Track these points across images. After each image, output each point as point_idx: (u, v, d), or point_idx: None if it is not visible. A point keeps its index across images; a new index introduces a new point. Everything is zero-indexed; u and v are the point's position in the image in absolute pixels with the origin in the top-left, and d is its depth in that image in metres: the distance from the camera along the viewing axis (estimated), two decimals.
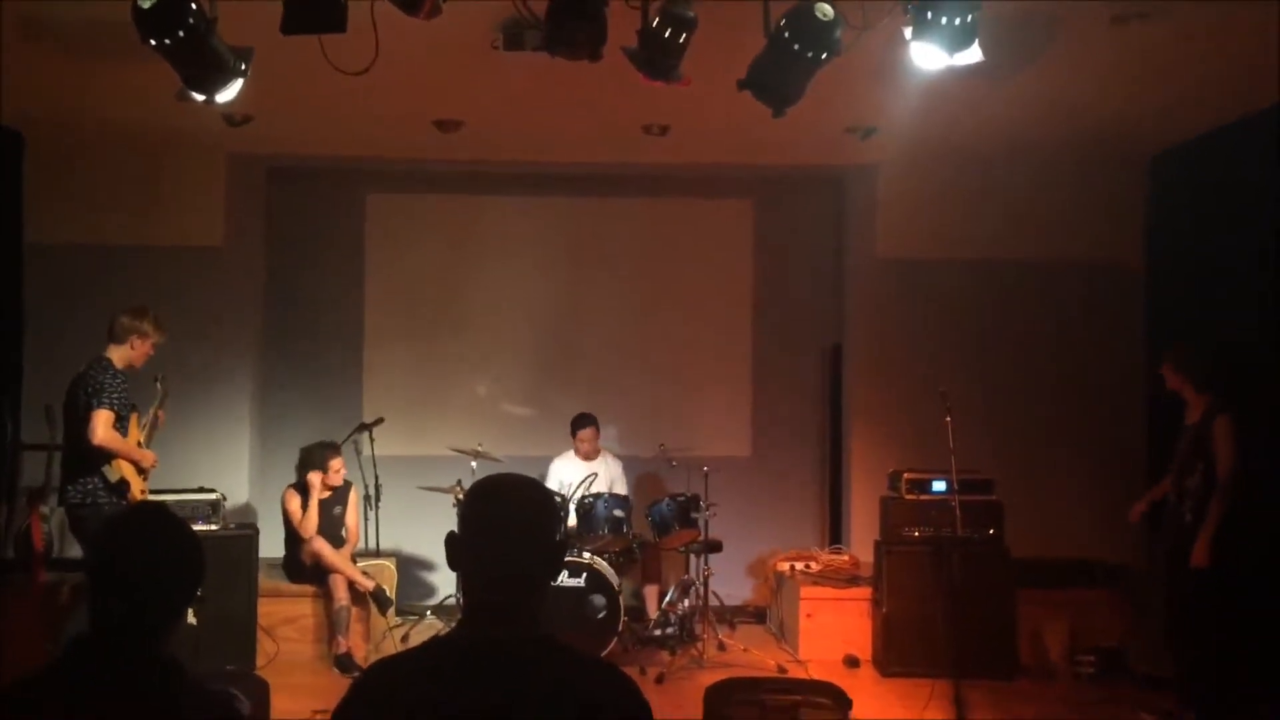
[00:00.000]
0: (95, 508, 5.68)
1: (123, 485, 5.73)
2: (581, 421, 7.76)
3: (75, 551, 6.51)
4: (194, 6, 4.03)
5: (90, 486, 5.72)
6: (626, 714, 1.92)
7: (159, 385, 6.29)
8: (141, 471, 5.91)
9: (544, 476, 7.84)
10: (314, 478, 7.18)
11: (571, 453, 7.88)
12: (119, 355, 5.84)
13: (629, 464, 8.07)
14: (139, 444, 5.95)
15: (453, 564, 2.04)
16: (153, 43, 4.04)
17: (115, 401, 5.67)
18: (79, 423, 5.71)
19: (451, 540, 2.04)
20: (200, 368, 7.64)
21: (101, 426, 5.61)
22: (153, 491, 6.09)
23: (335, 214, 8.69)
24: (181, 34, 4.03)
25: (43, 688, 2.04)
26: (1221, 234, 6.94)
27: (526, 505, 2.04)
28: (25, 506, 6.49)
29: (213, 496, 6.77)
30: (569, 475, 7.68)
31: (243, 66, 4.39)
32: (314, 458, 7.25)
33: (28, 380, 7.39)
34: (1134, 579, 7.20)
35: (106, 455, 5.69)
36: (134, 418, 5.93)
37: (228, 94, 4.45)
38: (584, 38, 4.25)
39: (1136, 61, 5.77)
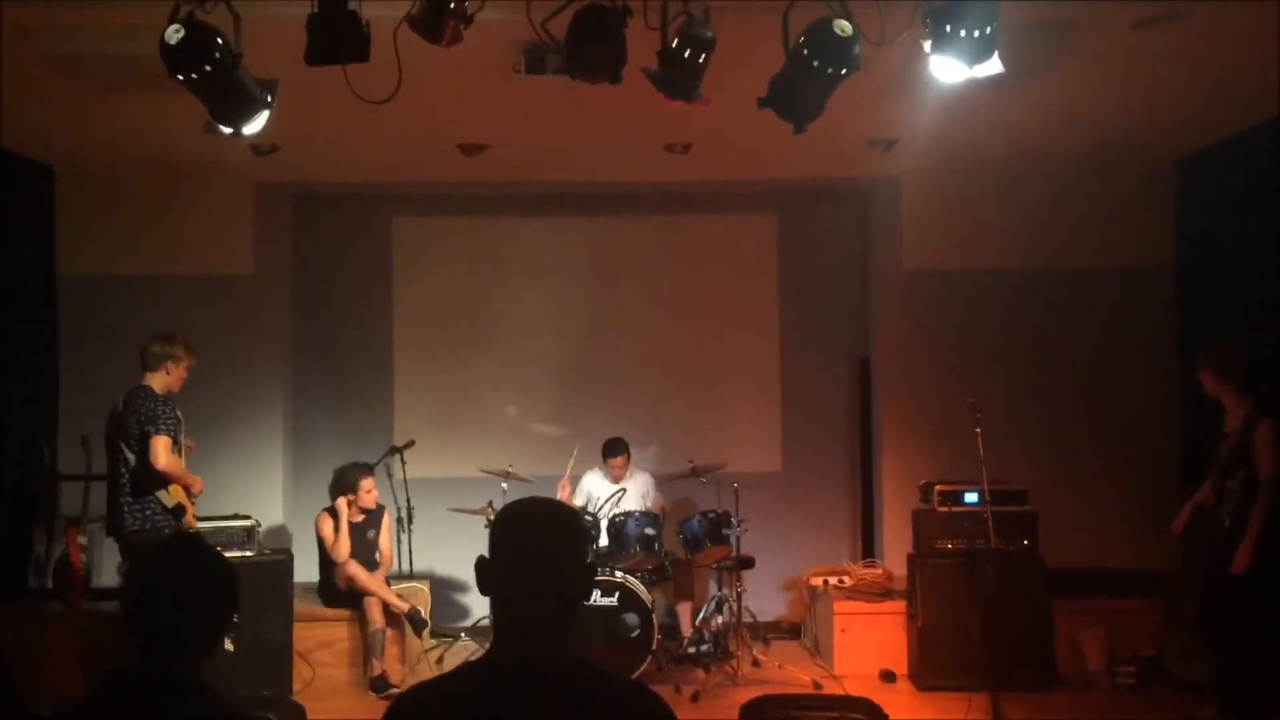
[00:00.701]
0: (156, 533, 5.80)
1: (180, 510, 5.87)
2: (613, 449, 7.76)
3: (114, 580, 6.58)
4: (220, 41, 4.08)
5: (149, 512, 5.83)
6: None
7: (179, 414, 6.35)
8: (190, 497, 6.00)
9: (577, 485, 7.87)
10: (342, 503, 7.22)
11: (600, 470, 7.89)
12: (158, 382, 5.93)
13: (659, 483, 8.06)
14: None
15: (483, 589, 2.05)
16: (180, 77, 4.10)
17: (171, 428, 5.81)
18: (136, 451, 5.80)
19: (481, 565, 2.05)
20: (232, 395, 7.73)
21: (164, 453, 5.74)
22: None
23: (362, 239, 8.76)
24: (208, 68, 4.09)
25: (82, 718, 2.07)
26: (1251, 235, 6.87)
27: (555, 528, 2.05)
28: (64, 535, 6.55)
29: (247, 523, 6.81)
30: (598, 490, 7.71)
31: (269, 98, 4.44)
32: (346, 479, 7.30)
33: (63, 411, 7.49)
34: (1171, 587, 7.13)
35: (165, 481, 5.79)
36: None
37: (255, 126, 4.50)
38: (604, 60, 4.27)
39: (1159, 66, 5.75)
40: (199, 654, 2.16)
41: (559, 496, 7.46)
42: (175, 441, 5.85)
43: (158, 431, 5.74)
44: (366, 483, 7.31)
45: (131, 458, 5.83)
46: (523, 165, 7.72)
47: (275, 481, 8.08)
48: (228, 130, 4.47)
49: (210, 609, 2.19)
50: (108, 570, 6.96)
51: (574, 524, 2.10)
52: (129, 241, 7.85)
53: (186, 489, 5.96)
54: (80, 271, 7.67)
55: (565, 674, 1.94)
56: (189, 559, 2.22)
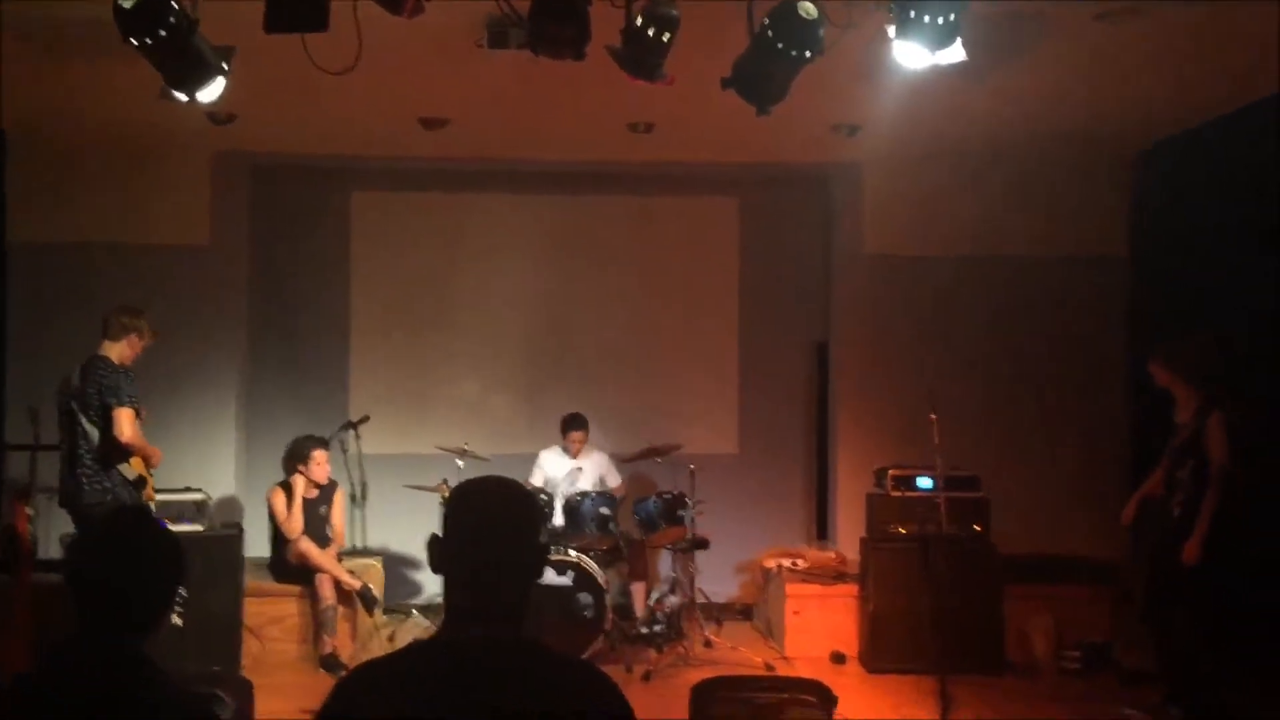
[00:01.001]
0: (119, 504, 5.69)
1: (141, 482, 5.81)
2: (574, 423, 7.77)
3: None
4: (175, 6, 4.01)
5: (110, 484, 5.74)
6: (608, 716, 1.92)
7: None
8: (149, 469, 5.93)
9: (533, 465, 7.85)
10: (298, 479, 7.16)
11: (558, 447, 7.89)
12: (115, 352, 5.82)
13: (616, 463, 8.05)
14: None
15: (435, 567, 2.03)
16: (134, 42, 4.02)
17: (134, 399, 5.72)
18: (98, 424, 5.70)
19: (434, 543, 2.03)
20: (186, 367, 7.62)
21: (128, 424, 5.65)
22: None
23: (321, 212, 8.66)
24: (163, 33, 4.01)
25: (23, 694, 2.03)
26: (1208, 228, 6.97)
27: (509, 508, 2.04)
28: (10, 506, 6.45)
29: (198, 496, 6.75)
30: (555, 469, 7.70)
31: (225, 65, 4.38)
32: (299, 450, 7.24)
33: (10, 381, 7.37)
34: (1120, 574, 7.23)
35: (128, 454, 5.71)
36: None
37: (210, 93, 4.44)
38: (568, 37, 4.24)
39: (1121, 58, 5.78)
40: (143, 629, 2.13)
41: None
42: (138, 414, 5.76)
43: (120, 403, 5.64)
44: (318, 454, 7.25)
45: (92, 430, 5.73)
46: (485, 141, 7.67)
47: (228, 455, 7.99)
48: (182, 97, 4.41)
49: (154, 584, 2.15)
50: (56, 542, 6.86)
51: (529, 504, 2.09)
52: (82, 209, 7.70)
53: (146, 461, 5.88)
54: (30, 239, 7.53)
55: (516, 655, 1.93)
56: (132, 533, 2.18)
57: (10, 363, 7.43)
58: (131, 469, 5.78)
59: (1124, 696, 6.20)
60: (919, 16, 4.23)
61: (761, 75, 4.51)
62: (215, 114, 6.60)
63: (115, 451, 5.72)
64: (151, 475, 5.98)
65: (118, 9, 3.94)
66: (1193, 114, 6.83)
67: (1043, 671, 6.93)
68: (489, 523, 2.02)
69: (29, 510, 6.35)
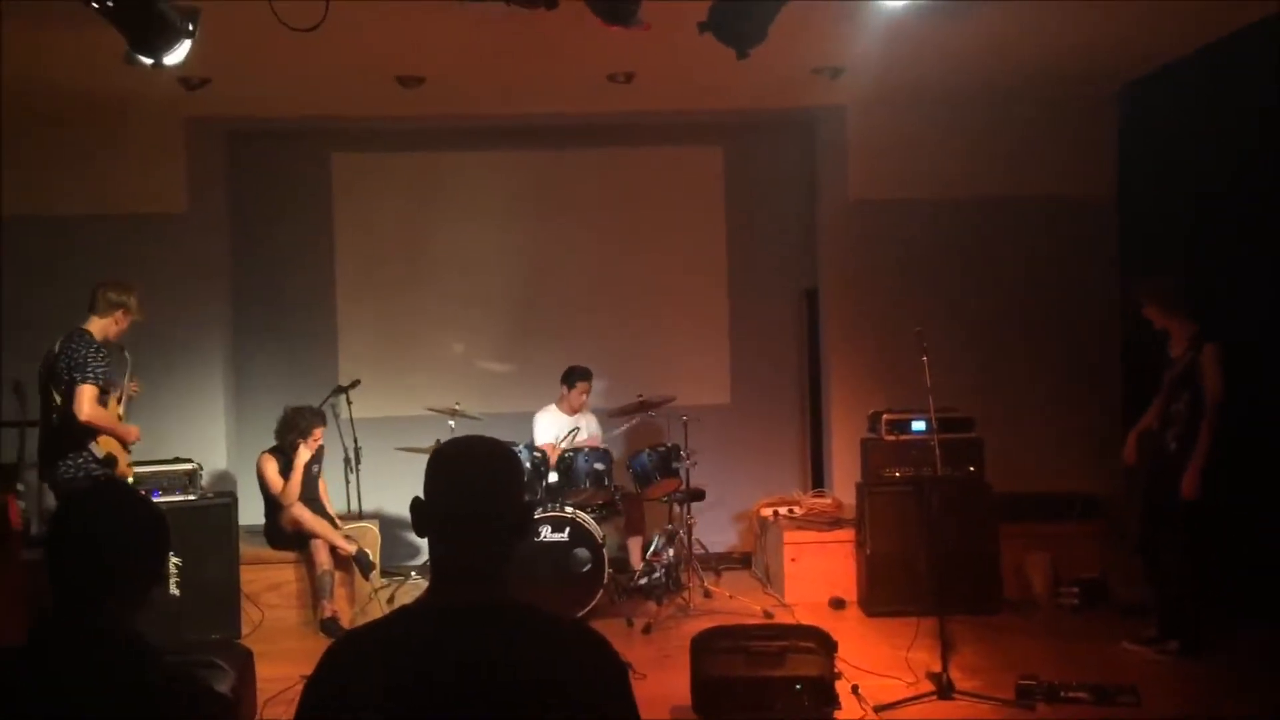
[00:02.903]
0: (89, 481, 5.61)
1: (111, 460, 5.67)
2: (579, 374, 7.75)
3: None
4: None
5: (81, 460, 5.65)
6: (600, 675, 1.90)
7: (126, 355, 6.19)
8: (126, 447, 5.85)
9: (530, 430, 7.82)
10: (302, 448, 7.10)
11: (554, 406, 7.85)
12: (99, 327, 5.73)
13: (607, 416, 8.03)
14: (119, 417, 5.88)
15: (419, 530, 1.99)
16: (95, 5, 3.93)
17: (99, 375, 5.58)
18: (64, 398, 5.61)
19: (417, 506, 1.99)
20: (170, 337, 7.55)
21: (87, 402, 5.52)
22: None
23: (300, 175, 8.57)
24: None
25: (9, 669, 2.00)
26: (1191, 162, 6.93)
27: (487, 464, 1.99)
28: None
29: (189, 466, 6.71)
30: (554, 430, 7.67)
31: (190, 27, 4.29)
32: (300, 422, 7.16)
33: None
34: (1114, 510, 7.25)
35: (92, 431, 5.61)
36: (114, 393, 5.86)
37: (175, 56, 4.36)
38: None
39: None
40: (127, 604, 2.09)
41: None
42: (104, 391, 5.64)
43: (83, 379, 5.52)
44: (318, 431, 7.21)
45: (62, 404, 5.64)
46: (463, 98, 7.56)
47: (217, 424, 7.96)
48: (148, 61, 4.32)
49: (136, 557, 2.11)
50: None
51: (508, 460, 2.04)
52: (57, 180, 7.60)
53: (121, 439, 5.80)
54: (9, 212, 7.43)
55: (502, 618, 1.89)
56: (111, 506, 2.14)
57: None
58: (100, 447, 5.65)
59: (1122, 630, 6.23)
60: None
61: (739, 16, 4.44)
62: (188, 79, 6.50)
63: (78, 429, 5.60)
64: (128, 452, 5.87)
65: None
66: (1173, 47, 6.74)
67: (1041, 608, 6.97)
68: (467, 482, 1.97)
69: (19, 486, 6.32)
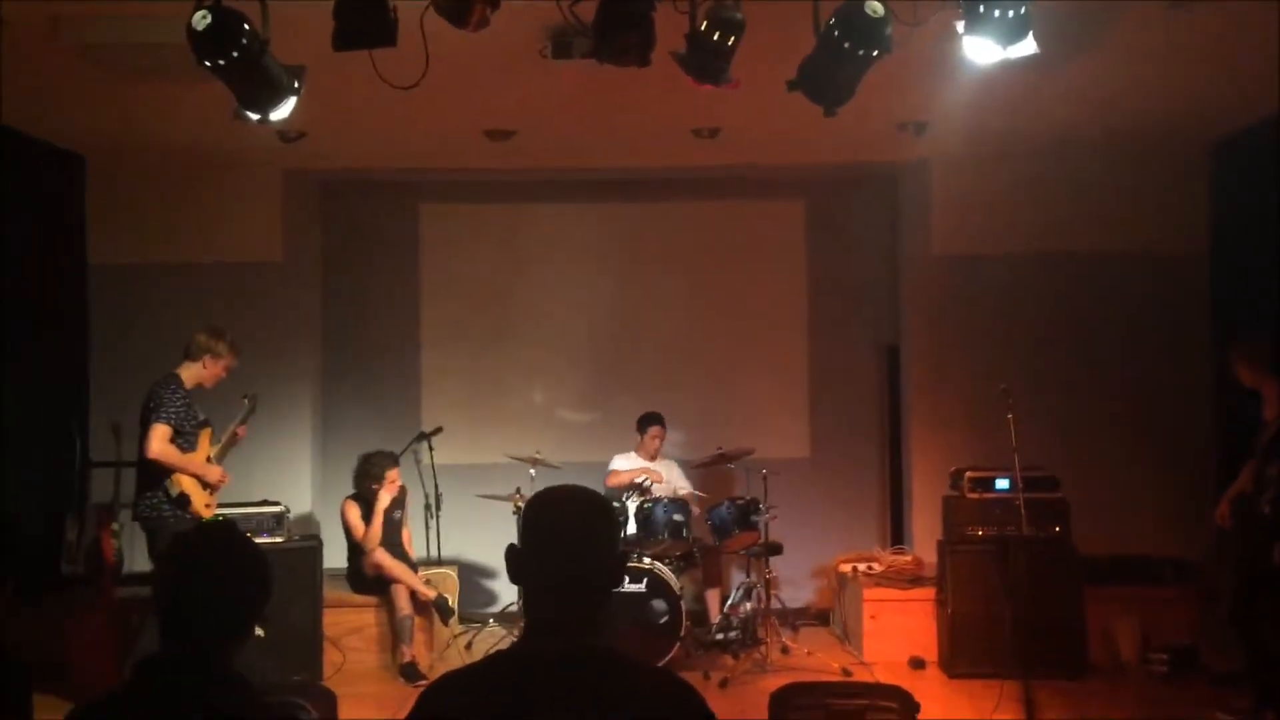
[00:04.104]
0: (160, 521, 5.78)
1: (184, 500, 5.79)
2: (651, 420, 7.80)
3: (147, 566, 6.62)
4: (247, 27, 4.07)
5: (155, 500, 5.82)
6: None
7: (246, 401, 6.36)
8: (207, 486, 5.98)
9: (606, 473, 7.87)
10: (383, 494, 7.21)
11: (632, 452, 7.88)
12: (189, 373, 5.94)
13: (690, 468, 8.04)
14: (209, 459, 6.02)
15: (514, 577, 2.03)
16: (208, 64, 4.09)
17: (172, 416, 5.76)
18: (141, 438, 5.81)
19: (512, 553, 2.03)
20: (262, 381, 7.66)
21: (156, 440, 5.70)
22: (218, 506, 6.17)
23: (389, 225, 8.77)
24: (236, 54, 4.07)
25: (114, 709, 2.07)
26: None
27: (586, 518, 2.03)
28: (95, 522, 6.60)
29: (277, 509, 6.83)
30: (631, 466, 7.70)
31: (296, 85, 4.43)
32: (374, 468, 7.29)
33: (95, 398, 7.56)
34: (1204, 574, 7.06)
35: (165, 470, 5.77)
36: (206, 433, 6.01)
37: (282, 112, 4.49)
38: (632, 44, 4.23)
39: (1195, 46, 5.66)
40: (230, 643, 2.15)
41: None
42: (179, 432, 5.79)
43: (157, 419, 5.71)
44: (392, 473, 7.31)
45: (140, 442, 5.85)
46: (549, 151, 7.70)
47: (304, 467, 8.12)
48: (255, 117, 4.47)
49: (242, 597, 2.17)
50: (140, 556, 7.00)
51: (606, 513, 2.07)
52: (159, 230, 7.88)
53: (199, 479, 5.92)
54: (111, 260, 7.72)
55: (596, 666, 1.92)
56: (221, 547, 2.20)
57: (94, 382, 7.61)
58: (174, 485, 5.79)
59: (1214, 700, 6.04)
60: (989, 11, 4.17)
61: (828, 76, 4.46)
62: (285, 132, 6.70)
63: (150, 466, 5.77)
64: (211, 494, 6.00)
65: (191, 32, 4.01)
66: (1269, 103, 6.63)
67: (1128, 674, 6.79)
68: (567, 533, 2.01)
69: (114, 525, 6.49)
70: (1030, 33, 4.25)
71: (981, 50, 4.32)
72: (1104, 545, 7.08)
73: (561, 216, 8.80)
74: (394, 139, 7.32)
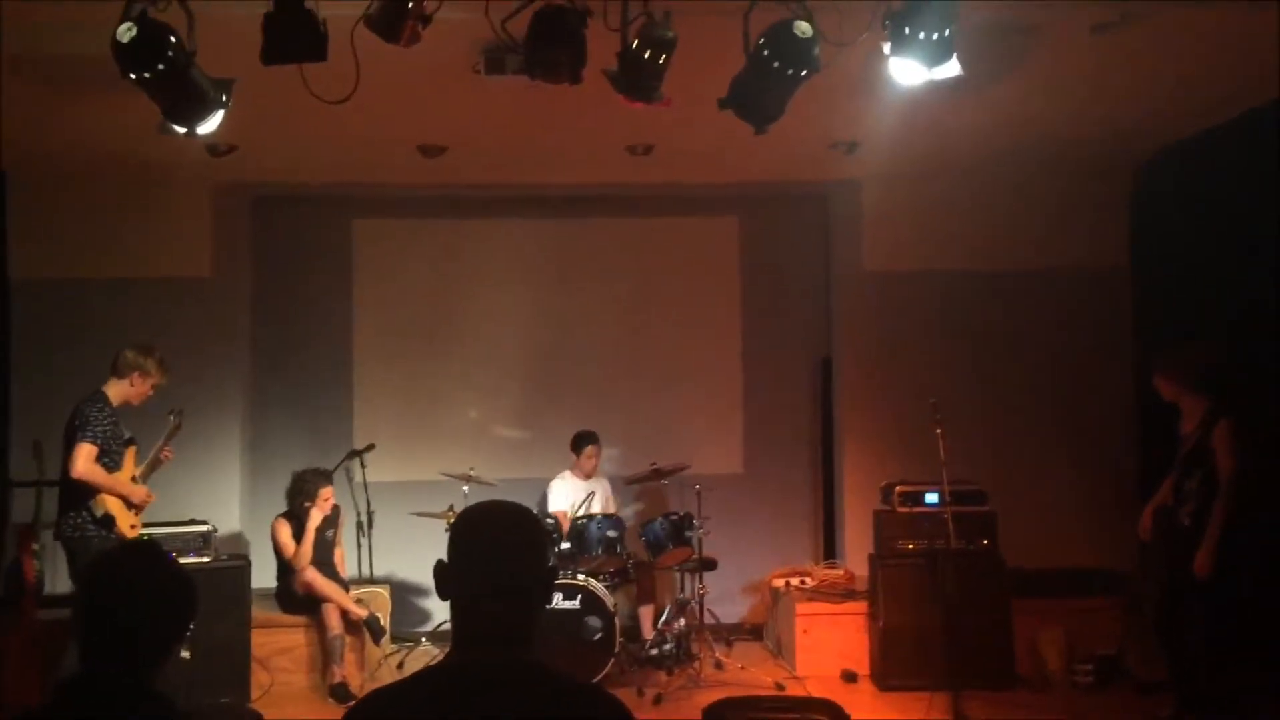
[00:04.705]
0: (84, 541, 5.66)
1: (108, 520, 5.69)
2: (586, 439, 7.78)
3: (69, 587, 6.47)
4: (173, 39, 4.02)
5: (79, 520, 5.70)
6: None
7: (172, 418, 6.25)
8: (132, 506, 5.87)
9: (543, 498, 7.84)
10: (315, 512, 7.12)
11: (569, 472, 7.87)
12: (116, 391, 5.83)
13: (621, 484, 8.05)
14: (134, 478, 5.91)
15: (442, 593, 2.02)
16: (133, 76, 4.03)
17: (99, 435, 5.64)
18: (66, 456, 5.69)
19: (440, 568, 2.02)
20: (191, 398, 7.53)
21: (82, 460, 5.59)
22: (143, 525, 6.05)
23: (322, 241, 8.68)
24: (161, 67, 4.02)
25: None
26: (1208, 237, 6.97)
27: (514, 531, 2.03)
28: (16, 542, 6.44)
29: (203, 528, 6.72)
30: (569, 496, 7.67)
31: (224, 98, 4.39)
32: (306, 485, 7.21)
33: (16, 416, 7.38)
34: (1130, 585, 7.20)
35: (89, 490, 5.65)
36: (131, 452, 5.90)
37: (209, 125, 4.45)
38: (564, 61, 4.25)
39: (1118, 69, 5.79)
40: (153, 663, 2.12)
41: None
42: (105, 451, 5.69)
43: (82, 438, 5.60)
44: (325, 491, 7.22)
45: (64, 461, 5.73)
46: (483, 167, 7.68)
47: (233, 485, 7.99)
48: (181, 130, 4.41)
49: (165, 617, 2.14)
50: (62, 577, 6.85)
51: (534, 526, 2.08)
52: (85, 244, 7.73)
53: (124, 499, 5.81)
54: (32, 275, 7.55)
55: (525, 679, 1.92)
56: (144, 567, 2.17)
57: (14, 400, 7.43)
58: (99, 505, 5.68)
59: (1138, 708, 6.16)
60: (914, 33, 4.24)
61: (758, 94, 4.52)
62: (215, 145, 6.63)
63: (75, 486, 5.65)
64: (134, 513, 5.88)
65: (116, 43, 3.95)
66: (1191, 123, 6.83)
67: (1055, 685, 6.89)
68: (494, 546, 2.01)
69: (35, 546, 6.34)
70: (954, 55, 4.33)
71: (907, 71, 4.41)
72: (1031, 557, 7.18)
73: (496, 232, 8.77)
74: (326, 153, 7.26)
